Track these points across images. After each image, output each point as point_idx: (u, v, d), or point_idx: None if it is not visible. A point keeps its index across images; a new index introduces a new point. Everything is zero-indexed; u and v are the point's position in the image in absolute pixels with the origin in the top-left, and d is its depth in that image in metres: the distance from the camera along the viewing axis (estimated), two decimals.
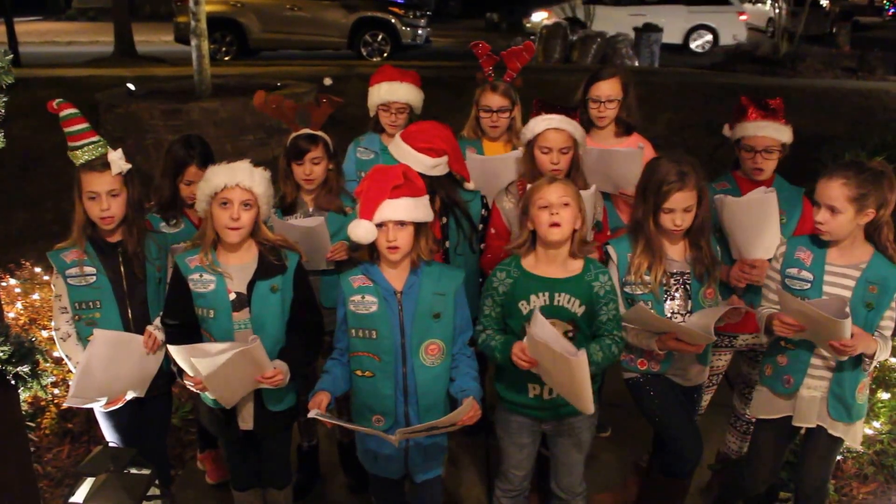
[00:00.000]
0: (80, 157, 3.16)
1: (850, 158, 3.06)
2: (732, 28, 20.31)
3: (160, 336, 3.29)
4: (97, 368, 3.18)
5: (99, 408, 3.34)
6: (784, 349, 3.19)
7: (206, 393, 3.08)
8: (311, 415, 2.80)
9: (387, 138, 4.14)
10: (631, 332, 3.23)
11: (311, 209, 3.70)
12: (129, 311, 3.29)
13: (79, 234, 3.22)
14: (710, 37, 20.41)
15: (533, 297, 3.03)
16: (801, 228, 3.53)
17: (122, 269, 3.27)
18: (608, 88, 3.93)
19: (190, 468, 4.24)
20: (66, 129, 3.16)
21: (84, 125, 3.19)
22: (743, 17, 20.44)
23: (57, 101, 3.19)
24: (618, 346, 3.08)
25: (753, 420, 3.75)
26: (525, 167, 3.61)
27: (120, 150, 3.22)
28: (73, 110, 3.19)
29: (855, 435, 3.21)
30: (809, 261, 3.11)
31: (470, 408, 2.80)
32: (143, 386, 3.34)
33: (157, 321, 3.31)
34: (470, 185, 3.71)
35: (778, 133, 3.51)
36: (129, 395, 3.33)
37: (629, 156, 3.77)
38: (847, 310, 2.85)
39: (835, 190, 2.96)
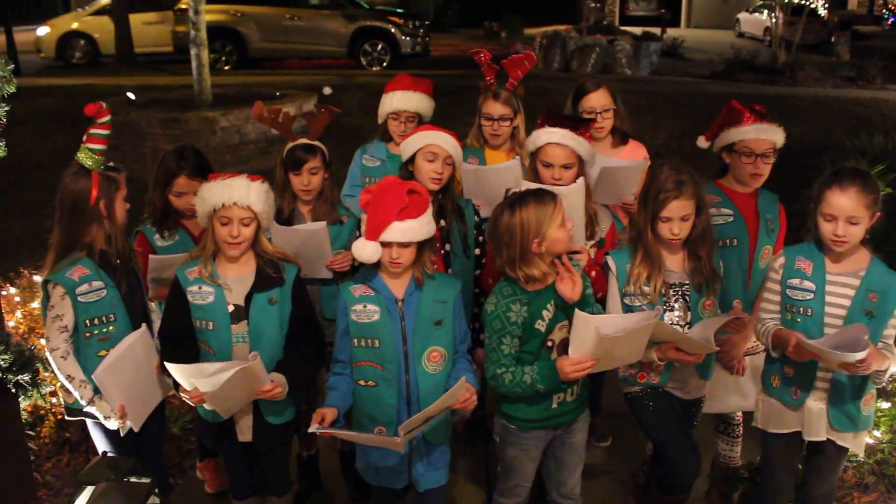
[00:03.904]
0: (95, 161, 3.13)
1: (845, 165, 3.02)
2: None
3: None
4: (129, 362, 3.14)
5: (97, 412, 3.23)
6: (790, 359, 3.11)
7: (204, 405, 3.06)
8: (311, 429, 2.80)
9: (393, 147, 4.13)
10: None
11: (308, 220, 3.68)
12: (133, 321, 3.27)
13: (97, 247, 3.17)
14: None
15: (545, 313, 2.99)
16: (782, 237, 3.53)
17: (122, 278, 3.24)
18: (600, 99, 3.94)
19: (189, 477, 4.22)
20: (98, 132, 3.14)
21: (109, 132, 3.19)
22: None
23: (104, 104, 3.18)
24: None
25: (741, 422, 3.75)
26: (528, 179, 3.55)
27: None
28: (110, 117, 3.19)
29: (860, 444, 3.19)
30: (810, 270, 3.07)
31: (462, 388, 2.77)
32: (137, 414, 3.24)
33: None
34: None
35: (776, 136, 3.46)
36: (120, 423, 3.21)
37: (633, 169, 3.76)
38: (866, 338, 2.78)
39: (853, 200, 2.90)
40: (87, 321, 3.16)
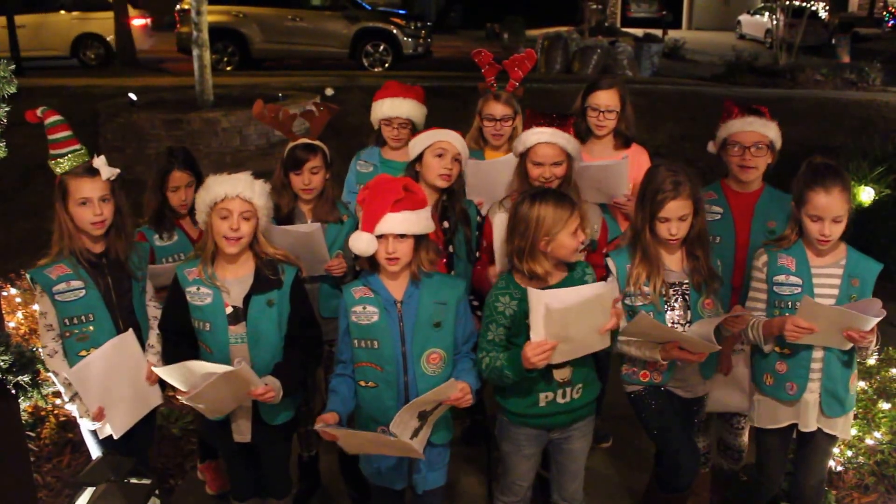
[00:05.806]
0: (63, 164, 3.12)
1: (818, 162, 3.09)
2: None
3: (153, 359, 3.29)
4: (110, 366, 3.13)
5: (75, 411, 3.24)
6: (781, 356, 3.21)
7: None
8: (316, 427, 2.81)
9: (387, 151, 4.18)
10: (633, 344, 3.21)
11: (309, 220, 3.68)
12: (120, 322, 3.25)
13: (67, 247, 3.15)
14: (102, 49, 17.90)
15: None
16: None
17: (109, 279, 3.22)
18: (607, 98, 3.97)
19: (190, 478, 4.23)
20: (51, 137, 3.12)
21: (69, 132, 3.15)
22: (139, 23, 17.73)
23: (40, 108, 3.16)
24: None
25: (744, 449, 3.78)
26: (517, 180, 3.59)
27: (103, 157, 3.19)
28: (58, 117, 3.15)
29: (847, 428, 3.28)
30: (794, 265, 3.14)
31: (454, 387, 2.79)
32: (118, 420, 3.22)
33: (152, 338, 3.33)
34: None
35: (765, 128, 3.51)
36: (98, 425, 3.21)
37: (610, 168, 3.79)
38: (880, 307, 2.93)
39: (837, 201, 2.99)
40: (66, 320, 3.16)
